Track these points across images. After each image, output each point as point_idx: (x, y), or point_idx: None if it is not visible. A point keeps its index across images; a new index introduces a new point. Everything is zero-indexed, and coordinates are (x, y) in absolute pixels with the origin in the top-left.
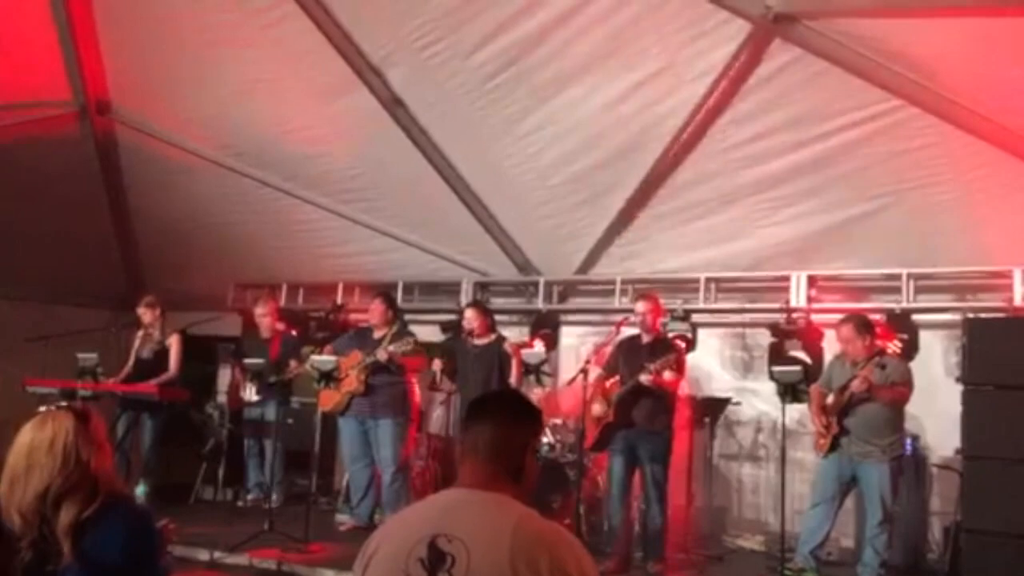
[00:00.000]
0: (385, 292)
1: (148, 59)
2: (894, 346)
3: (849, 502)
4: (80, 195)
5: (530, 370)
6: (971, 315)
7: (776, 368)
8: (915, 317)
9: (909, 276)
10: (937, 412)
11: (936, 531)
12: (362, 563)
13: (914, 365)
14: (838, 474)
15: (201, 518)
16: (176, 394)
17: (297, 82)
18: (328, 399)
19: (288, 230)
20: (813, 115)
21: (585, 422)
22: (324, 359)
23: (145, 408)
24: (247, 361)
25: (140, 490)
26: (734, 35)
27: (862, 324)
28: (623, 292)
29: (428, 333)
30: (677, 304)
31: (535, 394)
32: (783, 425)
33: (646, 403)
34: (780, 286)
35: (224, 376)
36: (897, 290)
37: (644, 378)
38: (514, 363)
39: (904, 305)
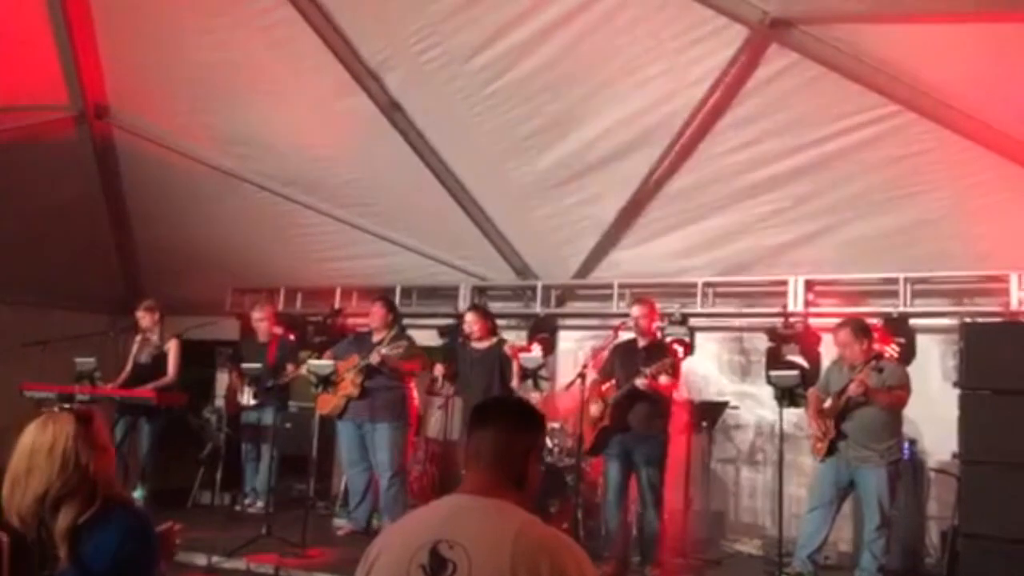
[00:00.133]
0: (386, 296)
1: (146, 63)
2: (891, 350)
3: (847, 506)
4: (78, 199)
5: (528, 374)
6: (968, 320)
7: (773, 372)
8: (912, 321)
9: (906, 280)
10: (934, 416)
11: (934, 535)
12: (364, 569)
13: (911, 369)
14: (836, 478)
15: (198, 522)
16: (173, 399)
17: (295, 86)
18: (325, 403)
19: (286, 234)
20: (810, 120)
21: (582, 426)
22: (322, 363)
23: (143, 412)
24: (244, 366)
25: (137, 494)
26: (731, 40)
27: (859, 328)
28: (621, 296)
29: (426, 337)
30: (675, 308)
31: (533, 399)
32: (780, 429)
33: (642, 407)
34: (778, 290)
35: (222, 380)
36: (894, 294)
37: (640, 382)
38: (514, 366)
39: (901, 309)
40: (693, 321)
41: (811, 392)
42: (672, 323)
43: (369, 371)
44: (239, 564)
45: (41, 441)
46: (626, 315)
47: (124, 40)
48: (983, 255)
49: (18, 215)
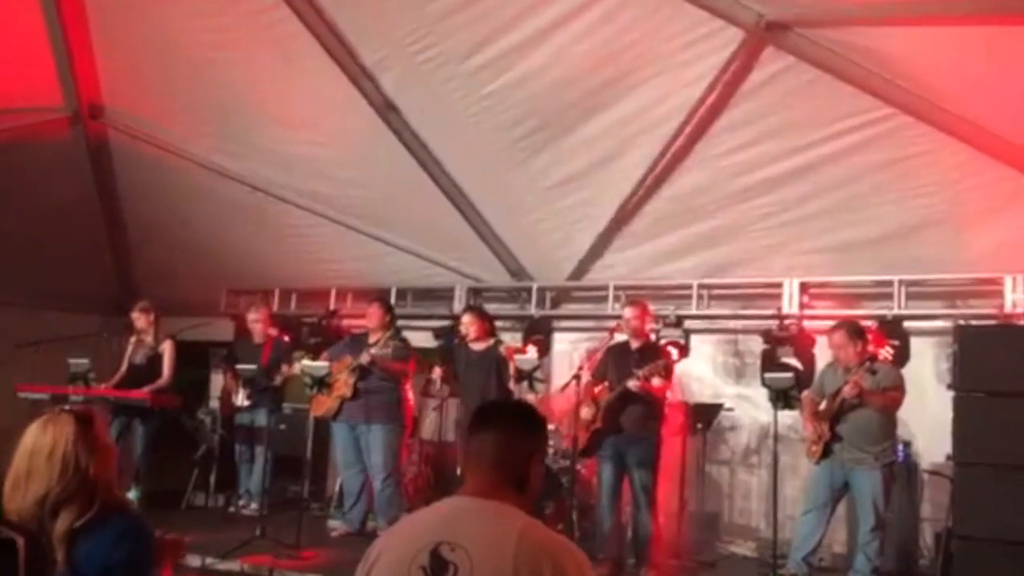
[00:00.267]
0: (383, 297)
1: (141, 63)
2: (886, 352)
3: (841, 508)
4: (72, 200)
5: (523, 376)
6: (962, 322)
7: (768, 374)
8: (907, 324)
9: (901, 283)
10: (928, 419)
11: (927, 537)
12: (364, 570)
13: (905, 371)
14: (830, 480)
15: (193, 524)
16: (168, 400)
17: (291, 87)
18: (320, 404)
19: (281, 235)
20: (806, 122)
21: (576, 428)
22: (316, 364)
23: (137, 414)
24: (239, 367)
25: (131, 496)
26: (727, 43)
27: (854, 330)
28: (616, 298)
29: (421, 339)
30: (670, 310)
31: (528, 400)
32: (775, 431)
33: (634, 409)
34: (772, 293)
35: (216, 382)
36: (889, 297)
37: (632, 384)
38: (511, 367)
39: (896, 312)
40: (688, 323)
41: (806, 395)
42: (667, 325)
43: (362, 372)
44: (233, 566)
45: (41, 443)
46: (621, 317)
47: (119, 40)
48: (977, 258)
49: (12, 216)
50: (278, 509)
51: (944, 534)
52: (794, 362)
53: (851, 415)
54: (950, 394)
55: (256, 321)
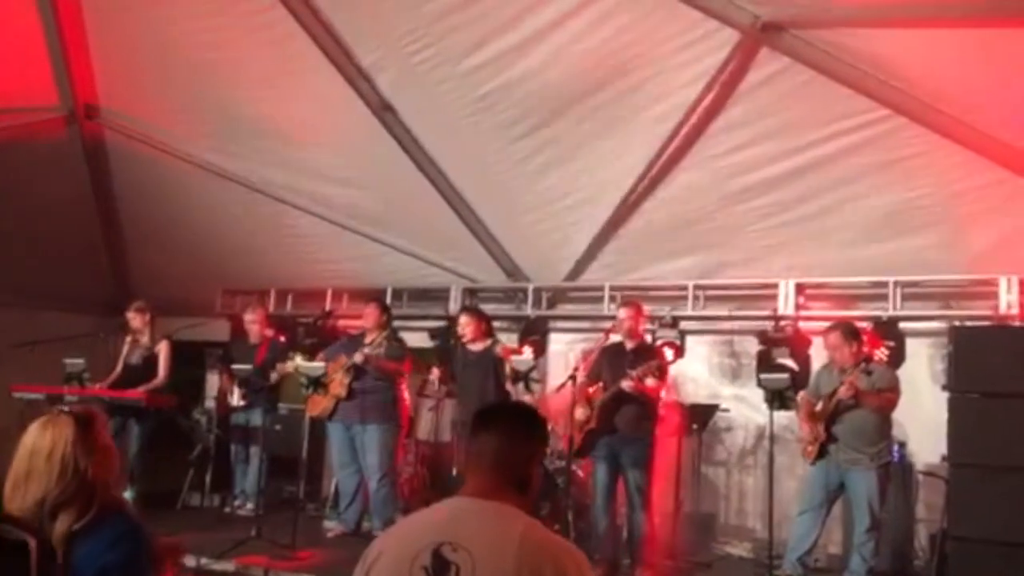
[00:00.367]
0: (380, 297)
1: (137, 63)
2: (881, 353)
3: (836, 509)
4: (68, 200)
5: (519, 377)
6: (957, 323)
7: (764, 375)
8: (902, 325)
9: (896, 284)
10: (923, 419)
11: (923, 538)
12: (363, 569)
13: (900, 372)
14: (826, 481)
15: (188, 524)
16: (163, 400)
17: (287, 87)
18: (315, 404)
19: (277, 235)
20: (801, 124)
21: (571, 428)
22: (312, 365)
23: (132, 414)
24: (234, 367)
25: (127, 496)
26: (722, 44)
27: (849, 331)
28: (611, 299)
29: (417, 339)
30: (665, 311)
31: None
32: (771, 432)
33: (628, 409)
34: (768, 293)
35: (212, 382)
36: (884, 298)
37: (626, 384)
38: (506, 367)
39: (891, 313)
40: (684, 324)
41: (802, 396)
42: (663, 326)
43: (356, 371)
44: (228, 566)
45: (40, 444)
46: (615, 317)
47: (115, 40)
48: (973, 259)
49: (7, 216)
50: (274, 509)
51: (939, 535)
52: (790, 363)
53: (847, 416)
54: (945, 395)
55: (253, 322)
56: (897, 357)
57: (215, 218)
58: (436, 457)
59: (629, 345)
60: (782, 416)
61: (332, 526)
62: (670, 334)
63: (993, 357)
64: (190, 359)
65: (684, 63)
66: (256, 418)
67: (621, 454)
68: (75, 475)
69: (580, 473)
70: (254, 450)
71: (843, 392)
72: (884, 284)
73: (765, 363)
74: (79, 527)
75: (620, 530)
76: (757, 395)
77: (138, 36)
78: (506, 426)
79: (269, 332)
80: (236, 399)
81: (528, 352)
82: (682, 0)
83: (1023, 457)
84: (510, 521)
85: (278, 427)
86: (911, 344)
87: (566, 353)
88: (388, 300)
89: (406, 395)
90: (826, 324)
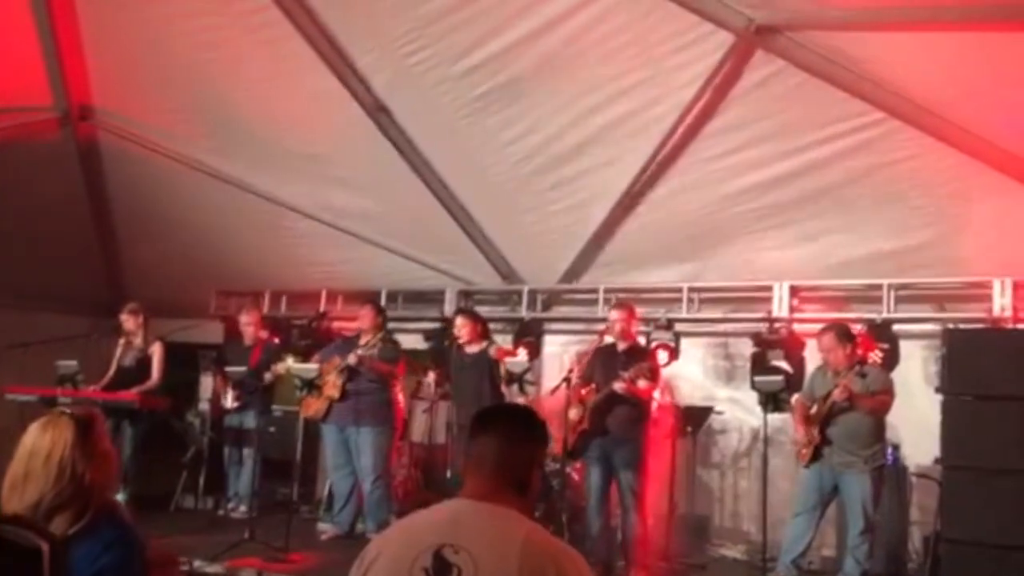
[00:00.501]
0: (375, 299)
1: (132, 64)
2: (875, 356)
3: (831, 511)
4: (61, 201)
5: (514, 379)
6: (951, 326)
7: (758, 377)
8: (896, 327)
9: (890, 287)
10: (916, 422)
11: (916, 540)
12: (360, 570)
13: (894, 375)
14: (820, 484)
15: (181, 527)
16: (156, 402)
17: (282, 88)
18: (309, 406)
19: (272, 237)
20: (795, 126)
21: (565, 430)
22: (306, 367)
23: (125, 416)
24: (228, 369)
25: (120, 498)
26: (717, 46)
27: (843, 333)
28: (606, 301)
29: (412, 341)
30: (660, 313)
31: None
32: (765, 434)
33: (620, 411)
34: (762, 296)
35: (206, 384)
36: (878, 300)
37: (618, 386)
38: (501, 369)
39: (885, 315)
40: (678, 326)
41: (796, 400)
42: (658, 328)
43: (350, 373)
44: (221, 569)
45: (39, 446)
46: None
47: (110, 41)
48: (966, 261)
49: (0, 216)
50: (267, 512)
51: (932, 537)
52: (784, 365)
53: (841, 418)
54: (938, 397)
55: (248, 324)
56: (891, 359)
57: (209, 219)
58: (430, 459)
59: (621, 347)
60: (776, 418)
61: (326, 528)
62: (665, 336)
63: (986, 359)
64: (184, 361)
65: (679, 65)
66: (250, 420)
67: (613, 456)
68: (72, 478)
69: (575, 475)
70: (248, 452)
71: (837, 395)
72: (878, 286)
73: (759, 365)
74: (74, 531)
75: (614, 532)
76: (751, 397)
77: (133, 36)
78: (506, 428)
79: (263, 334)
80: (229, 401)
81: (523, 354)
82: (677, 3)
83: (1016, 459)
84: (512, 524)
85: (272, 429)
86: (905, 346)
87: (561, 355)
88: (383, 302)
89: (400, 397)
90: (820, 326)
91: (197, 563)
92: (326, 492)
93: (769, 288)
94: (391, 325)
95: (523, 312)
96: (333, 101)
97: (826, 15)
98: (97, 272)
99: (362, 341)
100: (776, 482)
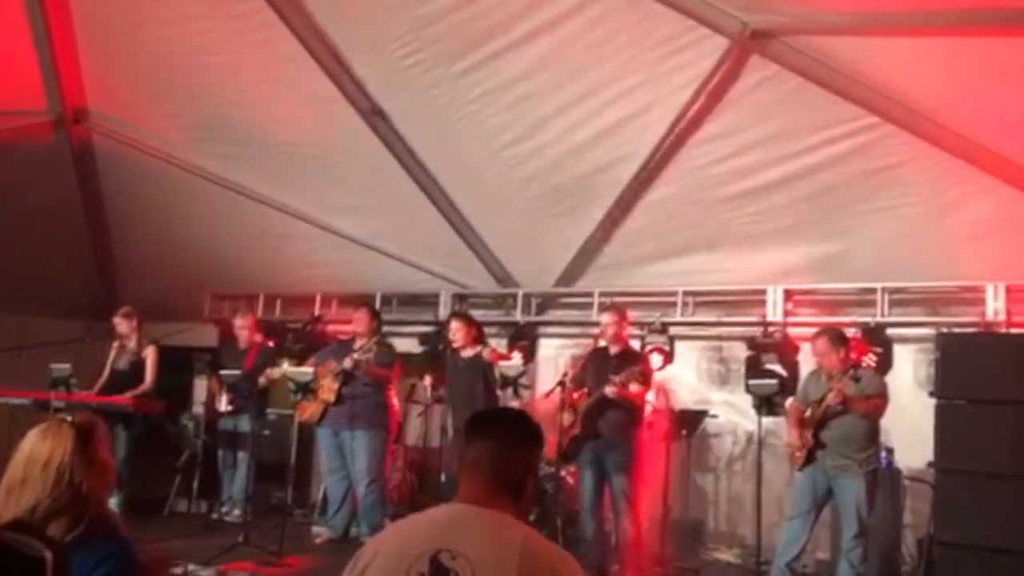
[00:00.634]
0: (370, 303)
1: (127, 67)
2: (868, 360)
3: (825, 515)
4: (55, 204)
5: (508, 382)
6: (944, 330)
7: (752, 381)
8: (889, 331)
9: (884, 291)
10: (910, 426)
11: (910, 544)
12: (353, 574)
13: (887, 379)
14: (814, 487)
15: (175, 530)
16: (150, 406)
17: (277, 91)
18: (304, 410)
19: (266, 240)
20: (790, 131)
21: (559, 434)
22: (301, 370)
23: (119, 419)
24: (222, 372)
25: (113, 502)
26: (712, 51)
27: (837, 337)
28: (601, 305)
29: (407, 345)
30: (655, 317)
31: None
32: (759, 438)
33: (612, 415)
34: (757, 300)
35: (200, 387)
36: (872, 304)
37: (609, 390)
38: (496, 372)
39: (878, 319)
40: (673, 330)
41: (791, 403)
42: (652, 331)
43: (346, 377)
44: (215, 572)
45: (38, 452)
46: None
47: (105, 44)
48: (959, 266)
49: None
50: (261, 515)
51: (926, 540)
52: (778, 369)
53: (835, 422)
54: (932, 401)
55: (242, 327)
56: (884, 363)
57: (203, 223)
58: (425, 463)
59: (613, 351)
60: (770, 422)
61: (320, 532)
62: (659, 340)
63: (980, 364)
64: (178, 364)
65: (674, 69)
66: (244, 424)
67: (605, 460)
68: (69, 487)
69: (569, 479)
70: (242, 456)
71: (831, 399)
72: (872, 290)
73: (754, 369)
74: (69, 539)
75: (608, 536)
76: (746, 401)
77: (127, 40)
78: (502, 433)
79: (258, 337)
80: (224, 405)
81: (517, 357)
82: (672, 7)
83: (1009, 463)
84: (510, 530)
85: (266, 433)
86: (898, 350)
87: (555, 359)
88: (378, 305)
89: (395, 401)
90: (814, 330)
91: (191, 567)
92: (320, 496)
93: (763, 292)
94: (386, 329)
95: (518, 316)
96: (328, 104)
97: (821, 20)
98: (91, 275)
99: (357, 345)
100: (770, 486)
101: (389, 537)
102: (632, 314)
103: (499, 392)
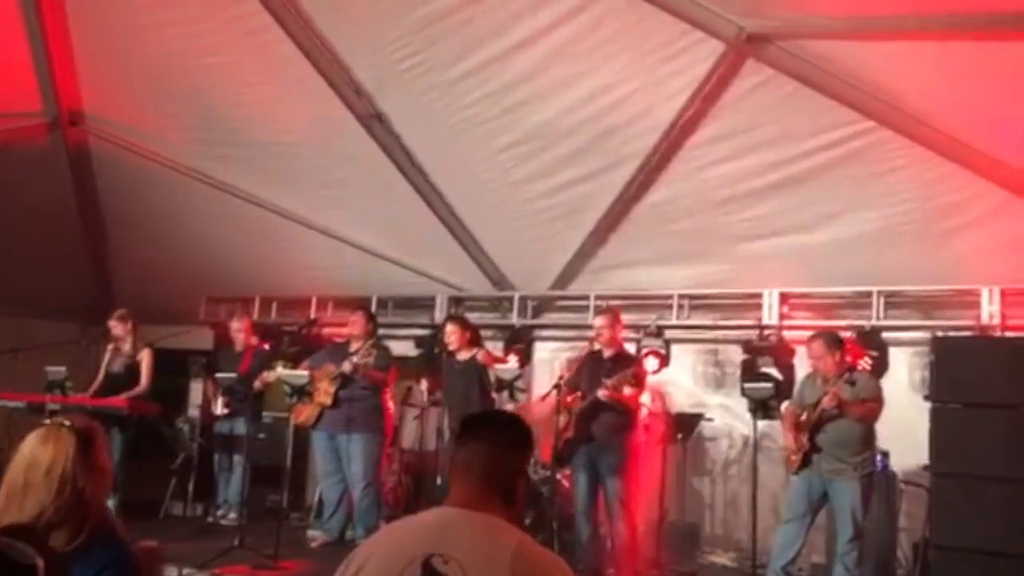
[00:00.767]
0: (366, 306)
1: (123, 69)
2: (864, 363)
3: (820, 518)
4: (51, 206)
5: (504, 385)
6: (940, 333)
7: (748, 384)
8: (885, 335)
9: (879, 294)
10: (904, 429)
11: (905, 547)
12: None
13: (883, 382)
14: (809, 491)
15: (170, 534)
16: (145, 408)
17: (274, 94)
18: (300, 413)
19: (262, 243)
20: (785, 135)
21: (553, 438)
22: (296, 373)
23: (114, 422)
24: (218, 375)
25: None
26: (708, 55)
27: (832, 340)
28: (597, 308)
29: (402, 348)
30: (651, 320)
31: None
32: (755, 441)
33: (605, 418)
34: (753, 303)
35: (196, 390)
36: (867, 307)
37: (601, 394)
38: (491, 375)
39: (874, 323)
40: (669, 333)
41: (786, 408)
42: (648, 335)
43: (343, 380)
44: None
45: (40, 458)
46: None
47: (101, 46)
48: (955, 269)
49: None
50: (257, 519)
51: (921, 544)
52: (774, 372)
53: (830, 426)
54: (927, 405)
55: (239, 330)
56: (880, 367)
57: (199, 225)
58: (420, 466)
59: (607, 354)
60: (766, 425)
61: (316, 535)
62: (655, 343)
63: (975, 367)
64: (173, 367)
65: (670, 74)
66: (240, 427)
67: (599, 463)
68: (73, 493)
69: (564, 483)
70: (237, 459)
71: (827, 402)
72: (867, 294)
73: (749, 372)
74: (71, 548)
75: (604, 540)
76: (741, 404)
77: (123, 42)
78: (494, 436)
79: (254, 340)
80: (219, 408)
81: (513, 361)
82: (668, 11)
83: (1004, 467)
84: (502, 535)
85: (261, 436)
86: (893, 353)
87: (551, 362)
88: (374, 308)
89: (390, 404)
90: (810, 334)
91: (186, 571)
92: (316, 499)
93: (759, 295)
94: (381, 331)
95: (514, 319)
96: (325, 107)
97: (816, 24)
98: (86, 278)
99: (352, 347)
100: (766, 489)
101: (382, 540)
102: (628, 317)
103: (495, 395)
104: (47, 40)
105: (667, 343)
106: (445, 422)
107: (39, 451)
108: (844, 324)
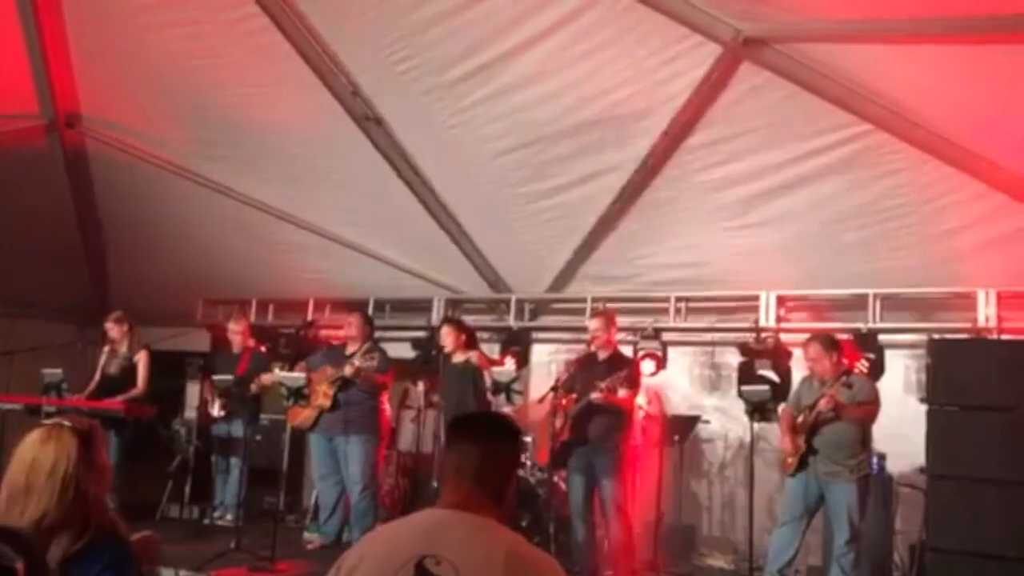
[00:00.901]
0: (363, 308)
1: (120, 71)
2: (861, 365)
3: (817, 520)
4: (48, 208)
5: (500, 388)
6: (936, 336)
7: (745, 387)
8: (881, 337)
9: (876, 296)
10: (901, 431)
11: (901, 549)
12: None
13: (879, 384)
14: (805, 493)
15: (167, 536)
16: (142, 410)
17: (271, 96)
18: (296, 415)
19: (259, 245)
20: (782, 138)
21: (550, 440)
22: (293, 376)
23: (111, 424)
24: (215, 377)
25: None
26: (704, 58)
27: (829, 343)
28: (594, 310)
29: (399, 350)
30: (647, 323)
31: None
32: (751, 444)
33: (600, 420)
34: (749, 305)
35: (192, 392)
36: (864, 310)
37: (594, 396)
38: (487, 377)
39: (871, 325)
40: (665, 335)
41: (783, 409)
42: (645, 337)
43: (343, 383)
44: None
45: (42, 459)
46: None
47: (98, 48)
48: (952, 272)
49: None
50: (253, 521)
51: (918, 546)
52: (771, 375)
53: (827, 428)
54: (923, 407)
55: (236, 332)
56: (876, 369)
57: (196, 227)
58: (417, 468)
59: (602, 356)
60: (762, 427)
61: (312, 538)
62: (652, 345)
63: (971, 370)
64: (170, 369)
65: (667, 77)
66: (237, 429)
67: (594, 464)
68: (76, 495)
69: (561, 485)
70: (234, 461)
71: (823, 405)
72: (864, 296)
73: (746, 375)
74: (76, 549)
75: (600, 541)
76: (738, 407)
77: (121, 44)
78: (486, 437)
79: (251, 342)
80: (216, 410)
81: (510, 363)
82: (665, 14)
83: (1000, 469)
84: (495, 536)
85: (258, 438)
86: (890, 356)
87: (548, 364)
88: (370, 311)
89: (387, 406)
90: (806, 336)
91: (183, 572)
92: (313, 501)
93: (756, 298)
94: (378, 334)
95: (511, 321)
96: (322, 109)
97: (813, 27)
98: (83, 280)
99: (349, 350)
100: (763, 491)
101: (375, 541)
102: (625, 320)
103: (491, 398)
104: (44, 42)
105: (664, 345)
106: (442, 424)
107: (40, 452)
108: (841, 326)
